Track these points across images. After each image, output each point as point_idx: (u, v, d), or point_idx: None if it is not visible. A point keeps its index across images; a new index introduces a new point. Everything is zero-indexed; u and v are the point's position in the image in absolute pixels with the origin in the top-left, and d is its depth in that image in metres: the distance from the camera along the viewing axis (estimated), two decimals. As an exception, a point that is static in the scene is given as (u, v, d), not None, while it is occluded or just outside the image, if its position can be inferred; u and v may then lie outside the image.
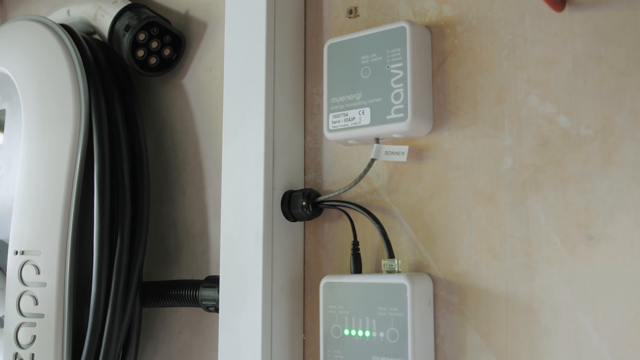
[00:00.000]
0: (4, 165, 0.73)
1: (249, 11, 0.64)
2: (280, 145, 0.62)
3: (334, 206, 0.61)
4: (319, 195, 0.62)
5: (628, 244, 0.48)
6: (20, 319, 0.65)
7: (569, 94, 0.51)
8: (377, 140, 0.57)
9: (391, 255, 0.57)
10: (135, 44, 0.71)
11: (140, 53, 0.71)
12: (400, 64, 0.55)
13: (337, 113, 0.58)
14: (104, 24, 0.72)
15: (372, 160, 0.57)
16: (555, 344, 0.50)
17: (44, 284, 0.64)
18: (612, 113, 0.50)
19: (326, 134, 0.59)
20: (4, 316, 0.68)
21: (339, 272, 0.62)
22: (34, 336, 0.64)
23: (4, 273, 0.71)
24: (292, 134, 0.64)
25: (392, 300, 0.53)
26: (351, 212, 0.60)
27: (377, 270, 0.59)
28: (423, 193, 0.58)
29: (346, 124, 0.58)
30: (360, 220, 0.60)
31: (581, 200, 0.50)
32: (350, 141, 0.59)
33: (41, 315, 0.64)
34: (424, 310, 0.54)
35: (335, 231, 0.62)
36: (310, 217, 0.61)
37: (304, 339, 0.63)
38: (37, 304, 0.65)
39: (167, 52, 0.73)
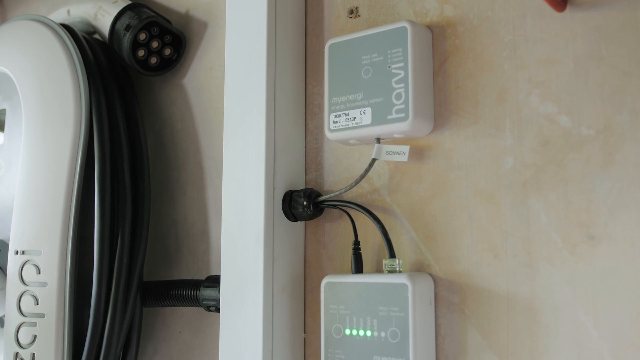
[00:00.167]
0: (4, 164, 0.73)
1: (250, 11, 0.64)
2: (281, 145, 0.62)
3: (335, 206, 0.61)
4: (320, 195, 0.62)
5: (629, 244, 0.48)
6: (21, 319, 0.65)
7: (570, 94, 0.52)
8: (378, 140, 0.58)
9: (392, 255, 0.57)
10: (135, 44, 0.71)
11: (141, 53, 0.71)
12: (401, 64, 0.56)
13: (338, 113, 0.58)
14: (105, 24, 0.72)
15: (373, 160, 0.58)
16: (556, 344, 0.50)
17: (44, 284, 0.64)
18: (613, 113, 0.50)
19: (327, 133, 0.59)
20: (4, 316, 0.68)
21: (340, 271, 0.62)
22: (35, 336, 0.64)
23: (5, 273, 0.71)
24: (293, 133, 0.64)
25: (393, 300, 0.53)
26: (352, 212, 0.60)
27: (378, 270, 0.59)
28: (424, 193, 0.58)
29: (347, 124, 0.58)
30: (361, 220, 0.60)
31: (582, 200, 0.50)
32: (351, 141, 0.59)
33: (42, 315, 0.64)
34: (425, 310, 0.54)
35: (336, 231, 0.62)
36: (311, 217, 0.61)
37: (304, 339, 0.63)
38: (37, 304, 0.65)
39: (167, 51, 0.73)
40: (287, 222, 0.62)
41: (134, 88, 0.73)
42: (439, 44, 0.58)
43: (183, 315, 0.71)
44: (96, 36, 0.76)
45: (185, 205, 0.73)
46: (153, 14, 0.71)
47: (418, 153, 0.58)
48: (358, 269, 0.59)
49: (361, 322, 0.55)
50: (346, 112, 0.58)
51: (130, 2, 0.72)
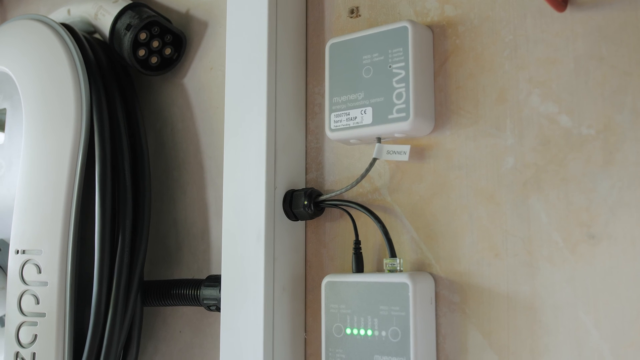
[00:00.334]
0: (4, 164, 0.73)
1: (251, 10, 0.64)
2: (282, 144, 0.62)
3: (335, 205, 0.61)
4: (320, 194, 0.62)
5: (629, 243, 0.48)
6: (22, 318, 0.65)
7: (571, 94, 0.52)
8: (379, 140, 0.58)
9: (393, 254, 0.57)
10: (136, 43, 0.71)
11: (141, 52, 0.71)
12: (402, 64, 0.56)
13: (339, 112, 0.59)
14: (105, 23, 0.72)
15: (374, 159, 0.58)
16: (556, 343, 0.50)
17: (45, 283, 0.64)
18: (613, 113, 0.50)
19: (328, 133, 0.59)
20: (5, 315, 0.68)
21: (341, 271, 0.62)
22: (35, 335, 0.64)
23: (5, 272, 0.71)
24: (293, 133, 0.64)
25: (394, 299, 0.53)
26: (353, 212, 0.60)
27: (379, 270, 0.59)
28: (425, 192, 0.58)
29: (348, 124, 0.58)
30: (362, 219, 0.60)
31: (582, 200, 0.50)
32: (352, 140, 0.59)
33: (42, 315, 0.64)
34: (425, 309, 0.54)
35: (336, 230, 0.62)
36: (311, 217, 0.61)
37: (305, 338, 0.63)
38: (38, 303, 0.65)
39: (168, 51, 0.73)
40: (287, 222, 0.62)
41: (135, 88, 0.73)
42: (440, 44, 0.58)
43: (183, 315, 0.71)
44: (96, 36, 0.76)
45: (186, 205, 0.73)
46: (153, 13, 0.71)
47: (419, 153, 0.58)
48: (359, 268, 0.59)
49: (362, 322, 0.55)
50: (347, 111, 0.58)
51: (130, 2, 0.72)
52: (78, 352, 0.64)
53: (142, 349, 0.73)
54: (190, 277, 0.71)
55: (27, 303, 0.65)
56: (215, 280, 0.65)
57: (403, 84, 0.55)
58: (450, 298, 0.55)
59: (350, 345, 0.55)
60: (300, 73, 0.66)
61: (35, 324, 0.64)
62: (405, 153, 0.57)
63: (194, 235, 0.72)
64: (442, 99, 0.58)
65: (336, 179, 0.63)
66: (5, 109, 0.74)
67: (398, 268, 0.56)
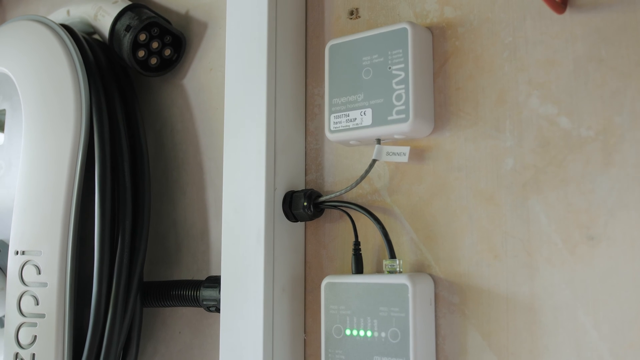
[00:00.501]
0: (4, 165, 0.73)
1: (250, 12, 0.64)
2: (282, 145, 0.62)
3: (335, 207, 0.61)
4: (320, 195, 0.62)
5: (628, 245, 0.49)
6: (21, 319, 0.65)
7: (570, 96, 0.52)
8: (379, 141, 0.58)
9: (392, 255, 0.57)
10: (135, 44, 0.71)
11: (141, 53, 0.71)
12: (401, 65, 0.56)
13: (339, 114, 0.59)
14: (105, 24, 0.72)
15: (374, 160, 0.58)
16: (555, 344, 0.51)
17: (44, 284, 0.64)
18: (612, 114, 0.50)
19: (328, 134, 0.59)
20: (4, 316, 0.68)
21: (340, 272, 0.62)
22: (35, 336, 0.64)
23: (5, 273, 0.71)
24: (293, 134, 0.64)
25: (393, 300, 0.53)
26: (352, 213, 0.60)
27: (379, 271, 0.59)
28: (424, 194, 0.58)
29: (348, 125, 0.58)
30: (362, 220, 0.60)
31: (582, 201, 0.51)
32: (351, 142, 0.59)
33: (42, 315, 0.64)
34: (425, 310, 0.54)
35: (336, 231, 0.63)
36: (311, 218, 0.61)
37: (305, 339, 0.63)
38: (37, 304, 0.65)
39: (167, 52, 0.73)
40: (287, 223, 0.62)
41: (134, 88, 0.73)
42: (439, 46, 0.59)
43: (183, 316, 0.72)
44: (96, 37, 0.76)
45: (186, 206, 0.73)
46: (153, 14, 0.71)
47: (418, 154, 0.58)
48: (358, 269, 0.59)
49: (361, 323, 0.55)
50: (347, 113, 0.58)
51: (130, 3, 0.72)
52: (78, 352, 0.64)
53: (142, 349, 0.73)
54: (189, 278, 0.71)
55: (27, 304, 0.65)
56: (214, 281, 0.65)
57: (403, 86, 0.55)
58: (450, 299, 0.56)
59: (349, 346, 0.55)
60: (299, 74, 0.66)
61: (34, 324, 0.64)
62: (404, 154, 0.57)
63: (194, 236, 0.72)
64: (441, 100, 0.58)
65: (336, 180, 0.63)
66: (4, 110, 0.74)
67: (397, 269, 0.56)
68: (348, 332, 0.56)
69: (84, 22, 0.76)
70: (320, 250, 0.63)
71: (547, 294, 0.51)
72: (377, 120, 0.56)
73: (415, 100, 0.55)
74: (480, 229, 0.55)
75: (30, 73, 0.70)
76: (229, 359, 0.61)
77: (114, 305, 0.64)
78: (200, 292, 0.65)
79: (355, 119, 0.58)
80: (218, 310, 0.64)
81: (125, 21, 0.70)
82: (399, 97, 0.55)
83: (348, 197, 0.62)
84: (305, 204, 0.61)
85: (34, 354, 0.64)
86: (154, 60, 0.73)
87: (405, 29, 0.56)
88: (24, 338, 0.65)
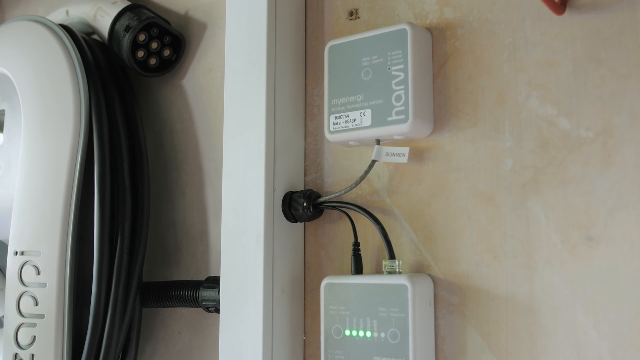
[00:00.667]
0: (3, 165, 0.73)
1: (250, 12, 0.64)
2: (281, 146, 0.62)
3: (334, 207, 0.61)
4: (319, 196, 0.62)
5: (628, 245, 0.49)
6: (20, 320, 0.65)
7: (569, 96, 0.52)
8: (378, 142, 0.58)
9: (392, 256, 0.57)
10: (135, 45, 0.71)
11: (140, 54, 0.71)
12: (401, 66, 0.56)
13: (338, 114, 0.59)
14: (104, 25, 0.72)
15: (373, 161, 0.58)
16: (555, 344, 0.51)
17: (43, 285, 0.64)
18: (612, 115, 0.50)
19: (327, 135, 0.59)
20: (3, 316, 0.68)
21: (340, 272, 0.62)
22: (34, 337, 0.64)
23: (4, 273, 0.71)
24: (292, 135, 0.64)
25: (393, 300, 0.54)
26: (352, 213, 0.60)
27: (378, 271, 0.60)
28: (424, 194, 0.58)
29: (347, 126, 0.58)
30: (361, 221, 0.60)
31: (581, 202, 0.51)
32: (351, 142, 0.59)
33: (41, 316, 0.64)
34: (424, 310, 0.54)
35: (335, 232, 0.63)
36: (311, 218, 0.62)
37: (304, 340, 0.63)
38: (37, 305, 0.65)
39: (166, 52, 0.73)
40: (286, 223, 0.62)
41: (134, 89, 0.73)
42: (439, 46, 0.59)
43: (182, 316, 0.72)
44: (95, 37, 0.76)
45: (185, 206, 0.73)
46: (152, 15, 0.71)
47: (418, 155, 0.58)
48: (358, 270, 0.59)
49: (361, 323, 0.55)
50: (346, 113, 0.58)
51: (129, 3, 0.72)
52: (77, 353, 0.64)
53: (141, 350, 0.73)
54: (189, 279, 0.71)
55: (26, 304, 0.65)
56: (214, 282, 0.65)
57: (402, 86, 0.55)
58: (449, 299, 0.56)
59: (349, 346, 0.55)
60: (299, 75, 0.66)
61: (34, 325, 0.64)
62: (404, 155, 0.57)
63: (193, 237, 0.72)
64: (441, 101, 0.58)
65: (335, 180, 0.63)
66: (4, 110, 0.74)
67: (397, 270, 0.56)
68: (347, 332, 0.56)
69: (83, 23, 0.75)
70: (319, 251, 0.63)
71: (547, 295, 0.51)
72: (377, 121, 0.56)
73: (414, 101, 0.55)
74: (479, 229, 0.55)
75: (29, 73, 0.70)
76: (228, 360, 0.61)
77: (113, 305, 0.64)
78: (200, 292, 0.65)
79: (355, 119, 0.58)
80: (217, 310, 0.65)
81: (124, 21, 0.70)
82: (398, 98, 0.55)
83: (347, 197, 0.62)
84: (304, 204, 0.61)
85: (33, 355, 0.64)
86: (153, 61, 0.73)
87: (404, 30, 0.56)
88: (23, 338, 0.65)
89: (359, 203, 0.61)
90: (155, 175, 0.75)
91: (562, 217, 0.51)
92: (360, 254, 0.59)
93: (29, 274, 0.65)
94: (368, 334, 0.55)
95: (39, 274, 0.65)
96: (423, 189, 0.58)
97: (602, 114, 0.50)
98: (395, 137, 0.57)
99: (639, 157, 0.49)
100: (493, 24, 0.56)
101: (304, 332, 0.63)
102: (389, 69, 0.56)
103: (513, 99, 0.54)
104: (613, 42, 0.50)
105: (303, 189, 0.65)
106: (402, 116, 0.55)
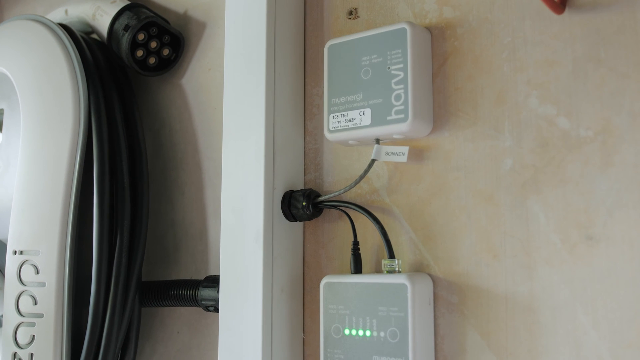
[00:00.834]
0: (2, 164, 0.73)
1: (249, 11, 0.64)
2: (280, 145, 0.62)
3: (334, 206, 0.61)
4: (319, 195, 0.62)
5: (627, 245, 0.49)
6: (19, 319, 0.65)
7: (569, 96, 0.52)
8: (378, 141, 0.58)
9: (391, 255, 0.57)
10: (134, 44, 0.71)
11: (139, 53, 0.71)
12: (400, 65, 0.56)
13: (338, 114, 0.59)
14: (103, 24, 0.72)
15: (373, 160, 0.58)
16: (554, 344, 0.51)
17: (42, 284, 0.64)
18: (611, 115, 0.50)
19: (327, 134, 0.59)
20: (2, 316, 0.68)
21: (339, 272, 0.62)
22: (33, 336, 0.64)
23: (3, 273, 0.71)
24: (292, 134, 0.64)
25: (392, 300, 0.54)
26: (351, 213, 0.60)
27: (378, 270, 0.60)
28: (423, 193, 0.58)
29: (347, 125, 0.58)
30: (361, 220, 0.60)
31: (581, 201, 0.51)
32: (350, 142, 0.59)
33: (40, 315, 0.64)
34: (424, 310, 0.54)
35: (335, 231, 0.63)
36: (310, 217, 0.62)
37: (303, 339, 0.63)
38: (36, 304, 0.64)
39: (166, 52, 0.73)
40: (286, 223, 0.62)
41: (133, 88, 0.73)
42: (438, 46, 0.59)
43: (181, 316, 0.71)
44: (94, 36, 0.76)
45: (184, 206, 0.73)
46: (152, 14, 0.71)
47: (417, 154, 0.58)
48: (357, 269, 0.59)
49: (360, 322, 0.55)
50: (345, 112, 0.58)
51: (128, 2, 0.72)
52: (76, 352, 0.64)
53: (140, 349, 0.73)
54: (188, 278, 0.71)
55: (25, 304, 0.65)
56: (213, 281, 0.65)
57: (402, 86, 0.55)
58: (449, 299, 0.56)
59: (348, 345, 0.55)
60: (298, 74, 0.66)
61: (33, 324, 0.64)
62: (403, 154, 0.57)
63: (192, 236, 0.72)
64: (440, 100, 0.58)
65: (335, 180, 0.63)
66: (2, 110, 0.74)
67: (396, 269, 0.56)
68: (347, 331, 0.56)
69: (82, 22, 0.75)
70: (319, 250, 0.63)
71: (546, 294, 0.51)
72: (376, 120, 0.56)
73: (414, 100, 0.55)
74: (479, 228, 0.55)
75: (28, 72, 0.70)
76: (228, 359, 0.61)
77: (113, 305, 0.64)
78: (199, 291, 0.65)
79: (354, 118, 0.58)
80: (217, 310, 0.64)
81: (123, 21, 0.70)
82: (398, 97, 0.55)
83: (347, 197, 0.62)
84: (304, 203, 0.61)
85: (32, 354, 0.64)
86: (152, 60, 0.73)
87: (404, 29, 0.56)
88: (22, 338, 0.65)
89: (358, 202, 0.61)
90: (155, 175, 0.75)
91: (562, 216, 0.51)
92: (359, 253, 0.59)
93: (28, 273, 0.65)
94: (367, 333, 0.55)
95: (38, 273, 0.65)
96: (423, 188, 0.58)
97: (602, 113, 0.50)
98: (394, 136, 0.57)
99: (639, 156, 0.49)
100: (493, 23, 0.56)
101: (304, 331, 0.63)
102: (389, 68, 0.56)
103: (513, 98, 0.54)
104: (613, 41, 0.50)
105: (302, 188, 0.65)
106: (402, 115, 0.55)
